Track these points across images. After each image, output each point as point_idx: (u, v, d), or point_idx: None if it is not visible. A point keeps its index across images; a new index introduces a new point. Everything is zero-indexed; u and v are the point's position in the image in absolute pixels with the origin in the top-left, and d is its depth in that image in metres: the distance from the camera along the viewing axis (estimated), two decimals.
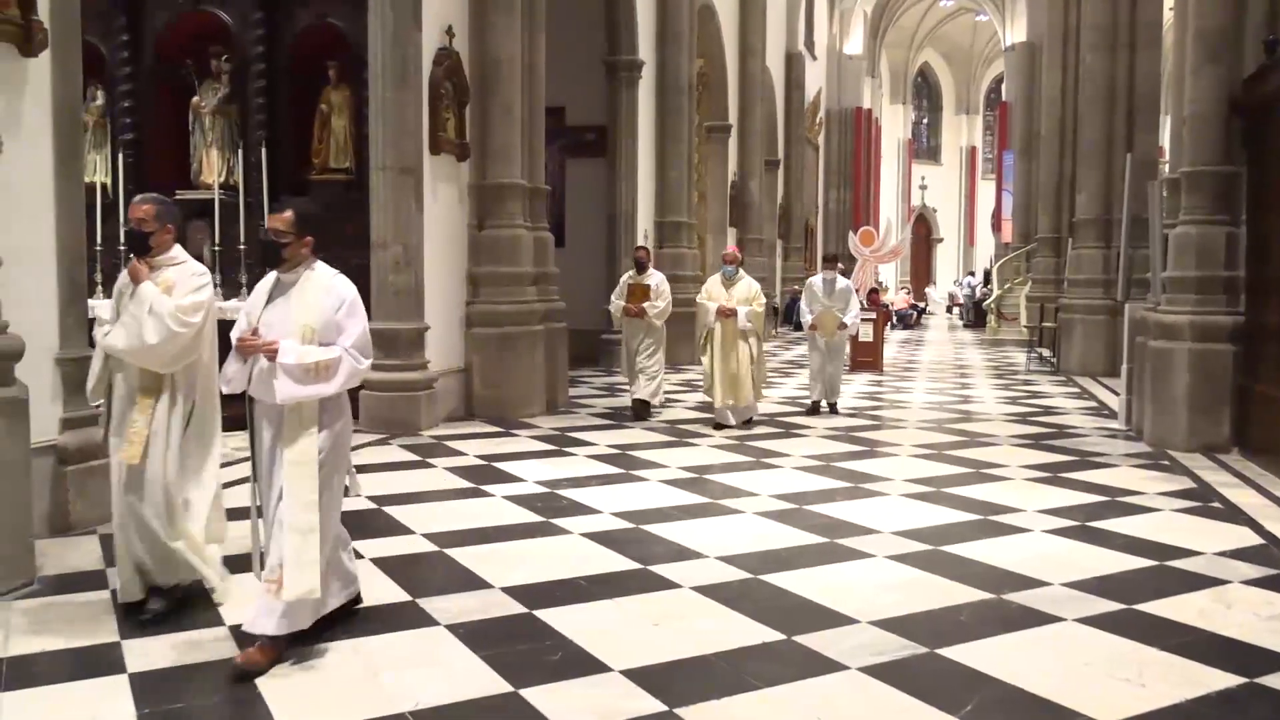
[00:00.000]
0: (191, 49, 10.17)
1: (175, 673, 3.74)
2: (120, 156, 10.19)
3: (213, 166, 10.12)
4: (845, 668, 3.83)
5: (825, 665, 3.86)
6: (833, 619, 4.36)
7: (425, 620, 4.31)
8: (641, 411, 10.16)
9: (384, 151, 9.05)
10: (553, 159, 13.36)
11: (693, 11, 16.61)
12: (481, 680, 3.69)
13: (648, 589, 4.78)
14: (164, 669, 3.76)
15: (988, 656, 3.94)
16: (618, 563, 5.18)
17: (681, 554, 5.33)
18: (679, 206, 16.42)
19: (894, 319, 27.36)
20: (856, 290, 12.63)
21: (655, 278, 10.48)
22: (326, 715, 3.40)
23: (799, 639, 4.12)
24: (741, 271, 9.73)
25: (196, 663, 3.83)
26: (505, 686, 3.63)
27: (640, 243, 9.91)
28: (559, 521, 5.97)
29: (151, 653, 3.89)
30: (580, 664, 3.86)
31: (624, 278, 10.57)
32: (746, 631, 4.22)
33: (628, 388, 10.64)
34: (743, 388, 9.46)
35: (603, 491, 6.79)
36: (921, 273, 43.39)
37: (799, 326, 11.51)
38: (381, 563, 5.09)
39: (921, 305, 33.97)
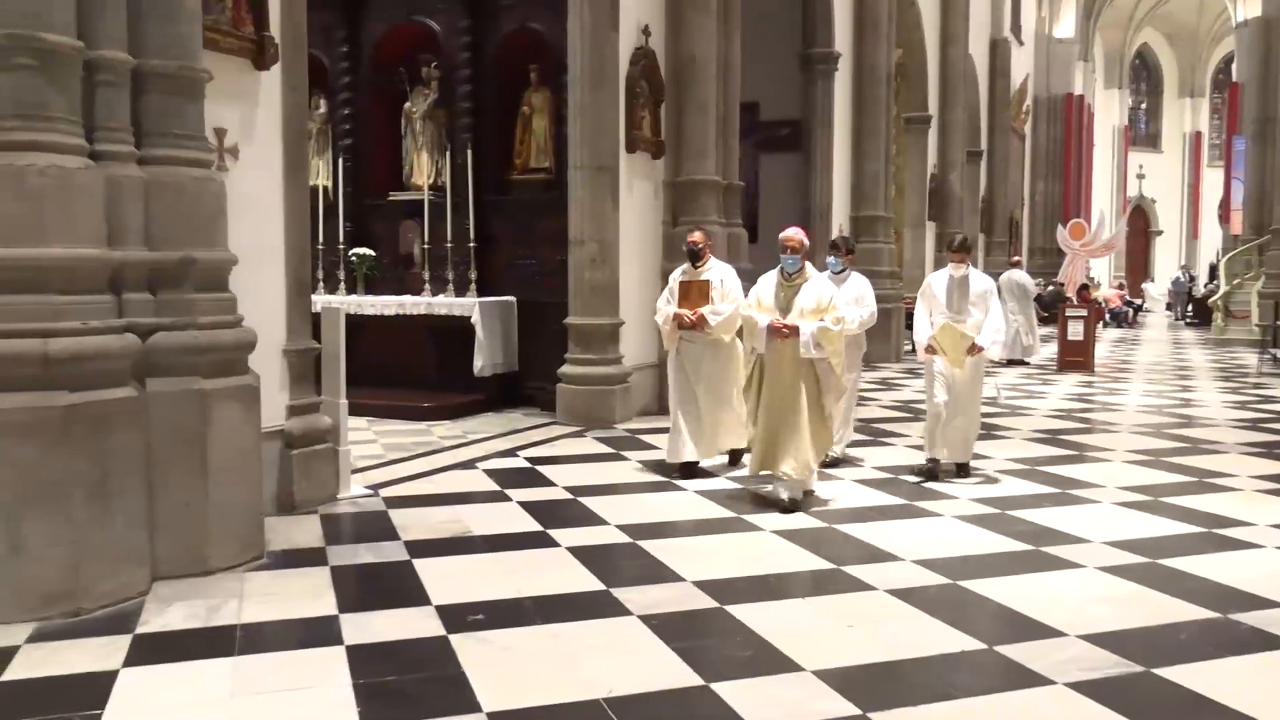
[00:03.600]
0: (404, 58, 10.74)
1: (387, 648, 3.95)
2: (340, 161, 10.89)
3: (422, 169, 10.66)
4: (1051, 682, 3.64)
5: (1030, 678, 3.69)
6: (1038, 630, 4.16)
7: (619, 610, 4.39)
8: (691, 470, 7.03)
9: (581, 150, 9.27)
10: (746, 154, 13.29)
11: (891, 0, 16.19)
12: (673, 672, 3.73)
13: (840, 589, 4.70)
14: (377, 644, 3.98)
15: (1212, 680, 3.66)
16: (810, 561, 5.12)
17: (875, 555, 5.21)
18: (875, 200, 16.05)
19: (1107, 317, 25.82)
20: (1062, 285, 11.51)
21: (719, 271, 7.10)
22: (525, 698, 3.51)
23: (1001, 649, 3.95)
24: (810, 268, 6.43)
25: (407, 639, 4.04)
26: (696, 680, 3.65)
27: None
28: (750, 518, 5.95)
29: (367, 627, 4.13)
30: (771, 662, 3.83)
31: (674, 274, 7.24)
32: (944, 638, 4.08)
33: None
34: (793, 450, 6.10)
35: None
36: (1138, 268, 40.76)
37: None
38: (577, 551, 5.22)
39: (1138, 302, 31.91)
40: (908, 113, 19.42)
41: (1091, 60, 38.06)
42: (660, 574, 4.91)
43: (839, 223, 15.37)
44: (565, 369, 9.26)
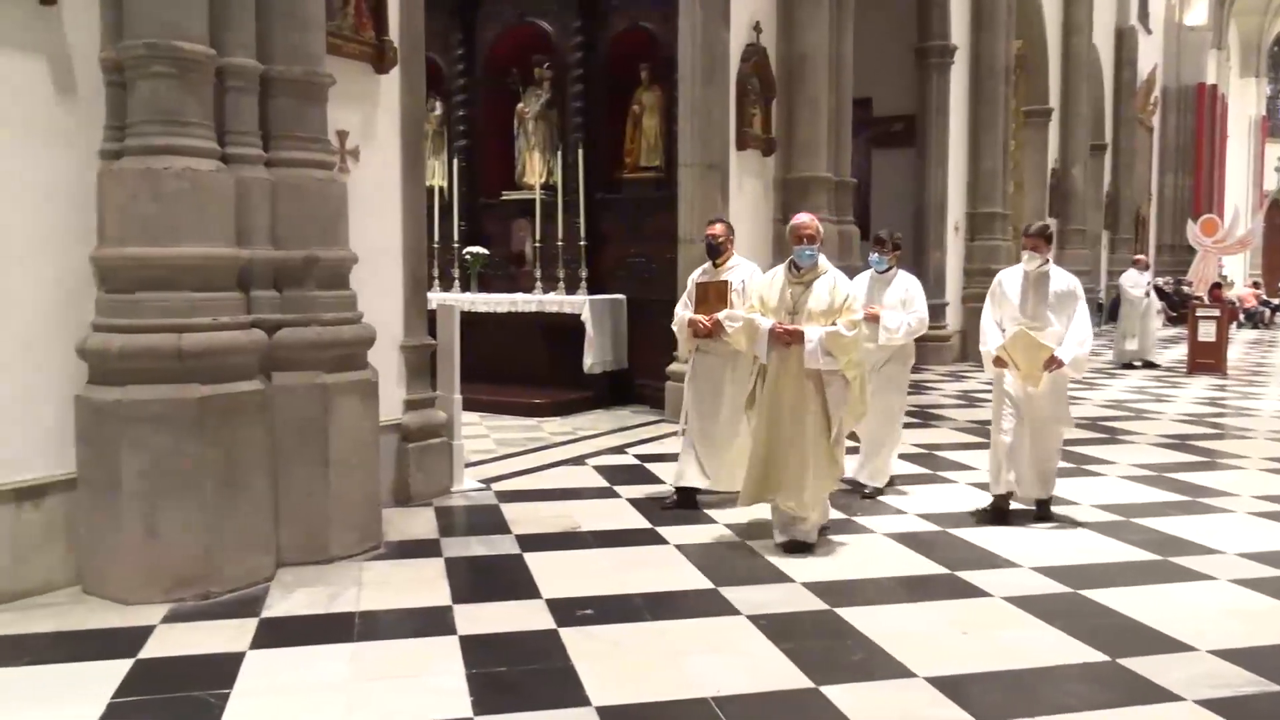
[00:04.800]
0: (517, 59, 10.92)
1: (499, 639, 4.02)
2: (454, 161, 11.13)
3: (534, 168, 10.81)
4: (1180, 698, 3.49)
5: (1156, 693, 3.54)
6: (1165, 644, 3.99)
7: (727, 609, 4.37)
8: (689, 500, 6.05)
9: (692, 148, 9.26)
10: (859, 151, 13.10)
11: None
12: (782, 673, 3.70)
13: (955, 595, 4.59)
14: (489, 635, 4.05)
15: None
16: (923, 565, 5.01)
17: (992, 561, 5.07)
18: (992, 196, 15.62)
19: (1241, 317, 24.59)
20: (1190, 286, 10.77)
21: (742, 270, 6.11)
22: (633, 693, 3.53)
23: (1124, 662, 3.80)
24: (823, 259, 5.34)
25: (517, 631, 4.10)
26: (806, 682, 3.61)
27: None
28: (862, 519, 5.86)
29: (479, 618, 4.21)
30: (883, 666, 3.77)
31: (693, 275, 6.34)
32: (1064, 648, 3.94)
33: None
34: (792, 482, 5.15)
35: (909, 491, 6.59)
36: (1276, 266, 38.70)
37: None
38: (685, 550, 5.22)
39: (1276, 302, 30.29)
40: (1027, 105, 18.83)
41: (1226, 48, 36.27)
42: (769, 574, 4.87)
43: (954, 220, 15.02)
44: (674, 367, 9.27)
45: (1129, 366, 14.83)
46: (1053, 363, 5.61)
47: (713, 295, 6.01)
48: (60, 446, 4.48)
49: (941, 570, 4.92)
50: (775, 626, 4.15)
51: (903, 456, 7.20)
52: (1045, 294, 5.77)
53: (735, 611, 4.33)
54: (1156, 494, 6.56)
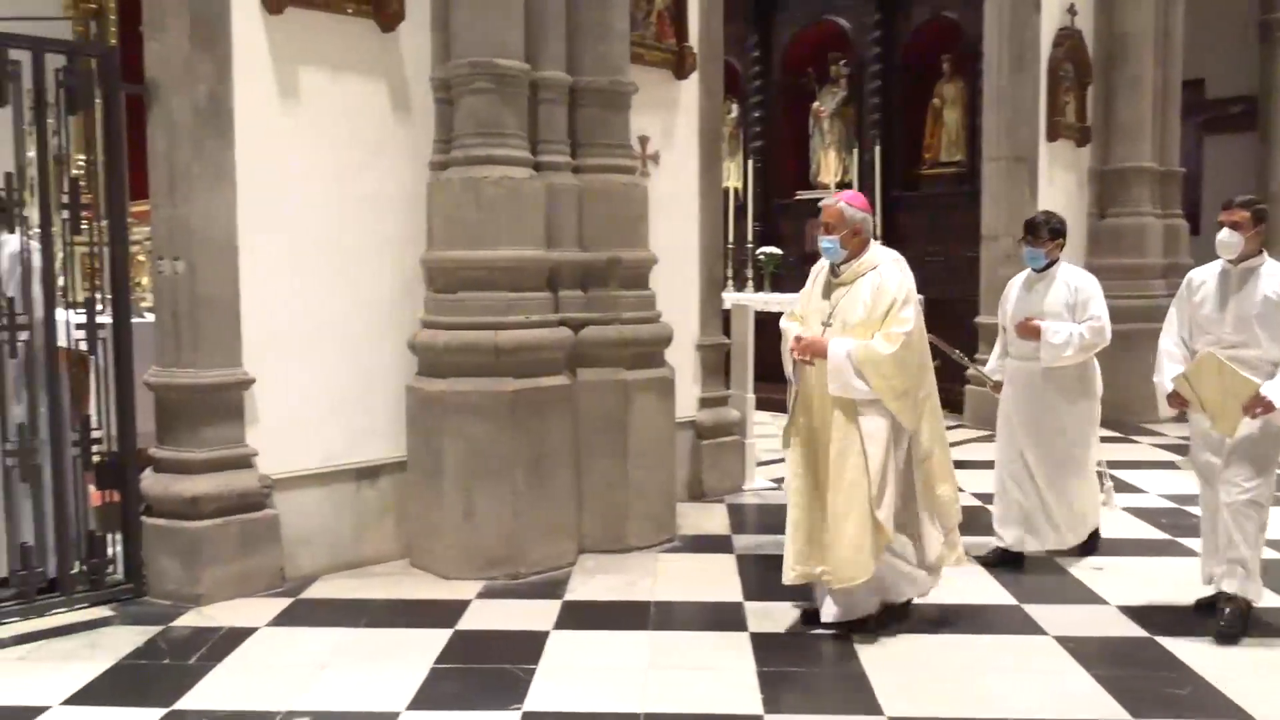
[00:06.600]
0: (812, 58, 10.87)
1: (789, 639, 4.01)
2: (749, 163, 11.23)
3: (829, 167, 10.72)
4: None
5: None
6: None
7: (1031, 628, 4.12)
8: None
9: (997, 141, 8.85)
10: (1188, 137, 11.95)
11: None
12: (1093, 702, 3.44)
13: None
14: (779, 634, 4.06)
15: None
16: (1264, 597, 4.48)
17: None
18: None
19: None
20: None
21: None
22: (927, 707, 3.41)
23: None
24: (877, 252, 4.05)
25: (808, 633, 4.07)
26: (1122, 714, 3.34)
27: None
28: (1187, 541, 5.33)
29: (770, 616, 4.22)
30: (1215, 707, 3.41)
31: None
32: None
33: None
34: (829, 543, 3.92)
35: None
36: None
37: None
38: (986, 560, 4.97)
39: None
40: None
41: None
42: (1080, 594, 4.55)
43: None
44: (971, 371, 8.86)
45: None
46: (1258, 404, 3.83)
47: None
48: (393, 431, 4.95)
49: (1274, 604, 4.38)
50: (1085, 651, 3.86)
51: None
52: (1254, 298, 3.99)
53: (1041, 631, 4.08)
54: None
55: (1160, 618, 4.19)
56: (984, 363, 5.52)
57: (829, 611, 4.01)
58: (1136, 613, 4.26)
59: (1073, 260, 9.38)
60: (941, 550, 4.09)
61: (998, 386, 5.12)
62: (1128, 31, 9.38)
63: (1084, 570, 4.84)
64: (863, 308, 3.90)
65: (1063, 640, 3.96)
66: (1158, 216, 9.57)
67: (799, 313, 4.16)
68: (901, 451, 3.94)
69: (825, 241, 4.01)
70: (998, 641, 4.00)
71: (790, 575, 4.02)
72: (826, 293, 4.05)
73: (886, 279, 3.92)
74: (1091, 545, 5.08)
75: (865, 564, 3.81)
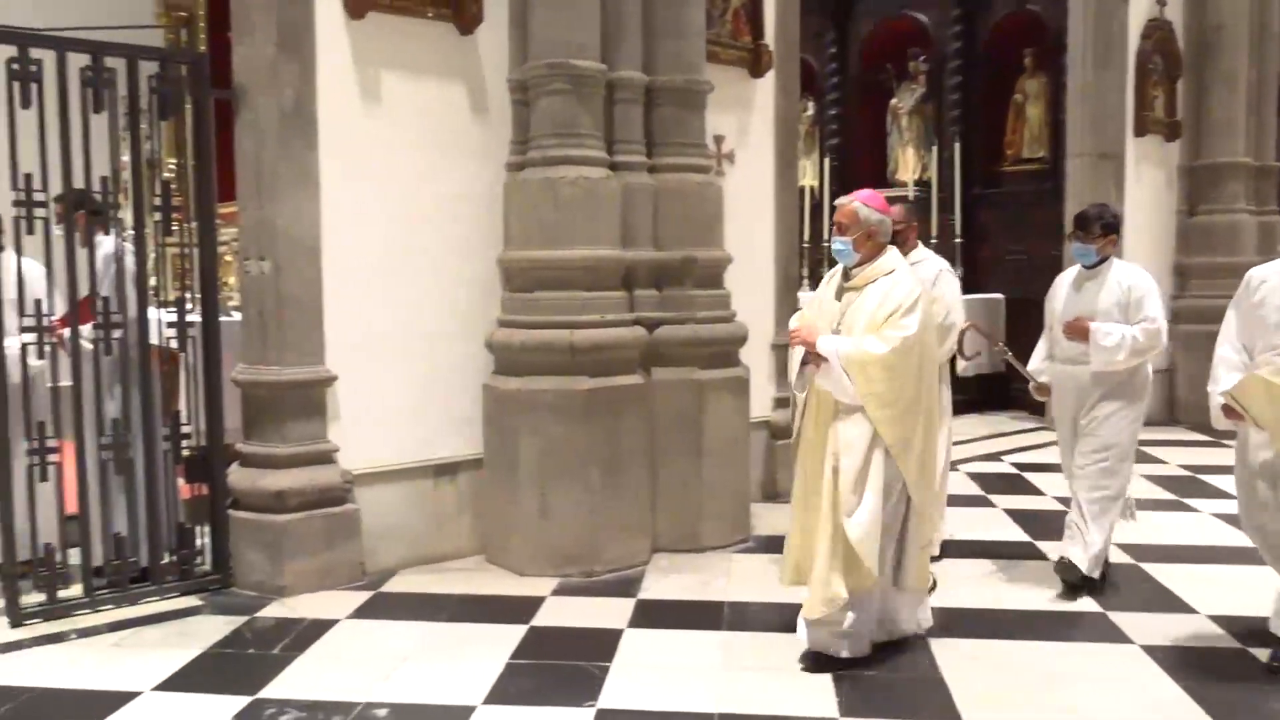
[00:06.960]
0: (890, 54, 10.71)
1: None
2: (825, 161, 11.11)
3: (908, 164, 10.55)
4: None
5: None
6: None
7: (1118, 636, 4.01)
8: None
9: (1081, 137, 8.64)
10: None
11: None
12: (1184, 714, 3.33)
13: None
14: None
15: None
16: None
17: None
18: None
19: None
20: None
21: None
22: (1006, 715, 3.34)
23: None
24: (893, 257, 3.78)
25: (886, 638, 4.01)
26: None
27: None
28: None
29: None
30: None
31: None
32: None
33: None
34: (816, 560, 3.68)
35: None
36: None
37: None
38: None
39: None
40: None
41: None
42: (1167, 602, 4.42)
43: None
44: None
45: None
46: None
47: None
48: (470, 429, 5.01)
49: None
50: (1174, 660, 3.75)
51: None
52: None
53: (1125, 639, 3.97)
54: None
55: (1252, 627, 4.04)
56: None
57: (802, 635, 3.75)
58: (1227, 622, 4.12)
59: (1160, 259, 9.15)
60: (922, 573, 3.87)
61: (1041, 389, 4.86)
62: (1222, 22, 9.11)
63: (1173, 578, 4.69)
64: (869, 314, 3.64)
65: (1150, 649, 3.85)
66: (1252, 213, 9.26)
67: (809, 316, 3.89)
68: (893, 464, 3.62)
69: (838, 243, 3.77)
70: (1082, 649, 3.90)
71: (784, 578, 3.96)
72: (838, 296, 3.81)
73: (897, 286, 3.66)
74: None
75: (835, 593, 3.55)
